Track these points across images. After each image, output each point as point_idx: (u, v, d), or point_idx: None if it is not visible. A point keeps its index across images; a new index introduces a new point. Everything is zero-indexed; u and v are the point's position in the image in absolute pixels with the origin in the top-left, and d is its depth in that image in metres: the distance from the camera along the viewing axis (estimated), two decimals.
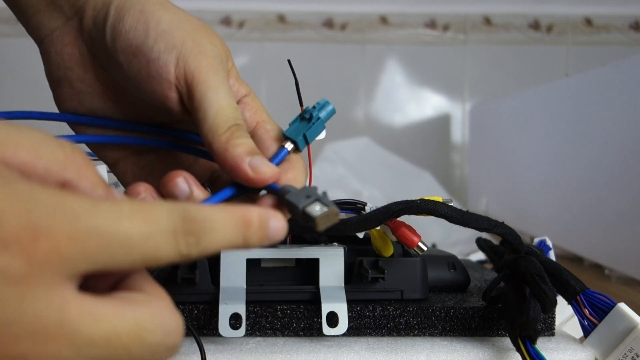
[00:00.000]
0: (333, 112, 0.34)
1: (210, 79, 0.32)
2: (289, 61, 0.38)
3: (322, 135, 0.38)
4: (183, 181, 0.30)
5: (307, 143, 0.34)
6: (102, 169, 0.44)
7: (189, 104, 0.32)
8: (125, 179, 0.38)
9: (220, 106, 0.31)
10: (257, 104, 0.36)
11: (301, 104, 0.38)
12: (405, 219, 0.38)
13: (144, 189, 0.31)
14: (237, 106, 0.32)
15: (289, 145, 0.33)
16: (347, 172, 1.17)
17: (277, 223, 0.25)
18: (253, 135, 0.34)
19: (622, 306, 0.36)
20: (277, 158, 0.33)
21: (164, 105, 0.33)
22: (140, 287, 0.23)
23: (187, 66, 0.32)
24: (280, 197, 0.29)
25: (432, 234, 0.87)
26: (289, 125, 0.34)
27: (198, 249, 0.23)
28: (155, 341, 0.21)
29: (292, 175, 0.32)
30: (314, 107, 0.34)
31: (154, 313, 0.22)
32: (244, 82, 0.36)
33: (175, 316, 0.23)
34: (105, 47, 0.34)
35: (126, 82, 0.35)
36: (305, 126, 0.33)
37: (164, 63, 0.32)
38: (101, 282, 0.23)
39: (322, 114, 0.34)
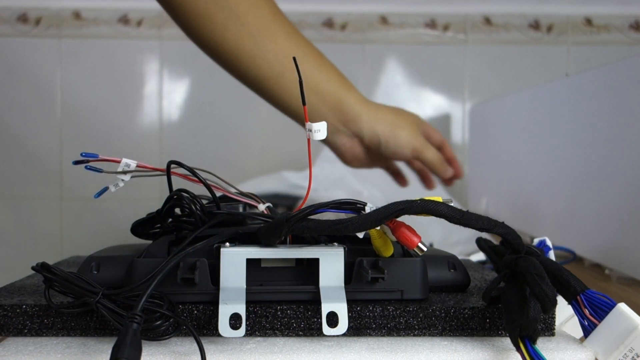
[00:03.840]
0: None
1: (423, 150, 0.72)
2: (294, 59, 0.38)
3: (323, 135, 0.38)
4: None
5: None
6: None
7: (417, 159, 0.74)
8: (345, 157, 0.73)
9: (433, 158, 0.73)
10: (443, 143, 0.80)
11: (304, 102, 0.38)
12: (405, 219, 0.38)
13: None
14: (439, 154, 0.75)
15: None
16: (346, 172, 1.17)
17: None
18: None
19: (623, 306, 0.36)
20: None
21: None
22: None
23: (415, 151, 0.72)
24: None
25: (432, 233, 0.87)
26: None
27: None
28: None
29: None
30: None
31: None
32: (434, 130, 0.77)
33: None
34: (379, 152, 0.72)
35: (381, 154, 0.73)
36: None
37: (407, 155, 0.73)
38: None
39: None
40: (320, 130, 0.38)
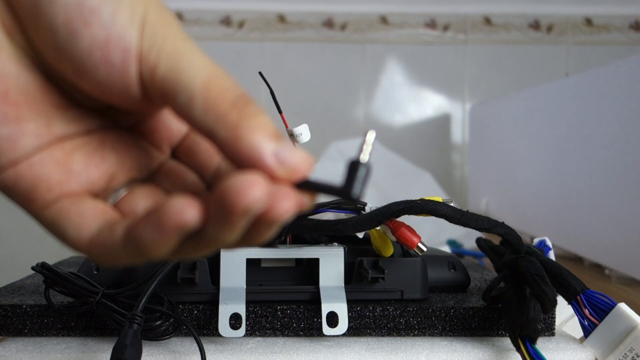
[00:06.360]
0: None
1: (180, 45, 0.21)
2: (260, 73, 0.38)
3: (307, 137, 0.38)
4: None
5: None
6: None
7: (157, 85, 0.21)
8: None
9: (209, 73, 0.21)
10: None
11: (279, 111, 0.38)
12: (405, 219, 0.38)
13: None
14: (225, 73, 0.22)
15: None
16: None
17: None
18: None
19: (623, 306, 0.36)
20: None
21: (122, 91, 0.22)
22: None
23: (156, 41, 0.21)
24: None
25: (423, 230, 0.87)
26: None
27: None
28: None
29: None
30: None
31: None
32: None
33: None
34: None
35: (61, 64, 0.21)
36: None
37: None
38: None
39: None
40: (302, 133, 0.38)
